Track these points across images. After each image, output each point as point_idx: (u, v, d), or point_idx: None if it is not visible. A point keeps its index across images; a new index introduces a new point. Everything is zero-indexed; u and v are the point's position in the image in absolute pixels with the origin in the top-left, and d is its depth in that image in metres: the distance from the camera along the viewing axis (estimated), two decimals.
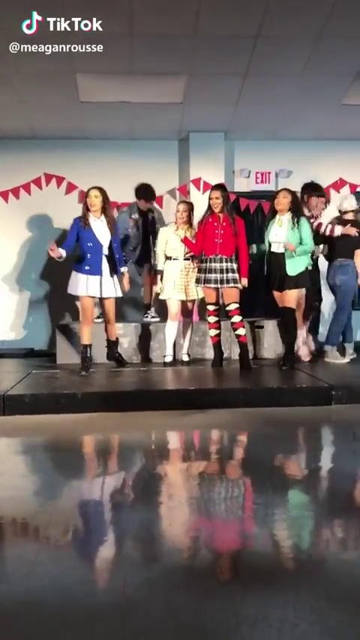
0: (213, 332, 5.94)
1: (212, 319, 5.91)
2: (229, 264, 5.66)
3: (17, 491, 2.99)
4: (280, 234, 5.69)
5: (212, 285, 5.70)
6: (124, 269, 5.74)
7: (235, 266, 5.67)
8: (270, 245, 5.76)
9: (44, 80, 5.96)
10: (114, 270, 5.58)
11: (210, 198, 5.78)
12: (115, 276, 5.60)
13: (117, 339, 5.91)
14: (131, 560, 2.10)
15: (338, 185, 7.85)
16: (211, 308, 5.87)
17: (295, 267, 5.65)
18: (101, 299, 5.63)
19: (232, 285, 5.65)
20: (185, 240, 5.96)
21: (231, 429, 4.23)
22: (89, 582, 2.00)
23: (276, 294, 5.82)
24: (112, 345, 5.84)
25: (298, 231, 5.62)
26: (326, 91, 6.42)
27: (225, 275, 5.65)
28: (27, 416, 4.46)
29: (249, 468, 3.40)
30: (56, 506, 2.70)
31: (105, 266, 5.53)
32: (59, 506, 2.72)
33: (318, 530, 2.52)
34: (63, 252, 5.48)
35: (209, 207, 5.78)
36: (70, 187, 7.63)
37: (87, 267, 5.49)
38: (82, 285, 5.49)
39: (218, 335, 5.95)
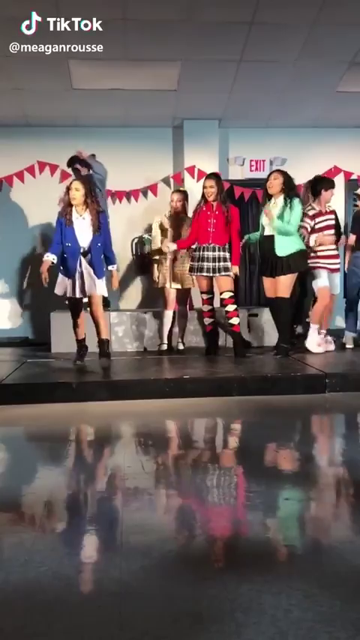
0: (207, 320, 5.95)
1: (206, 307, 5.91)
2: (221, 253, 5.64)
3: (13, 481, 3.00)
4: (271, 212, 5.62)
5: (205, 274, 5.68)
6: (112, 267, 5.33)
7: (227, 255, 5.66)
8: (263, 229, 5.69)
9: (37, 67, 5.92)
10: (96, 271, 5.13)
11: (204, 187, 5.76)
12: (98, 276, 5.15)
13: (108, 340, 5.36)
14: (127, 548, 2.12)
15: (332, 173, 7.83)
16: (204, 297, 5.86)
17: (284, 248, 5.52)
18: (85, 298, 5.26)
19: (224, 273, 5.64)
20: (179, 244, 5.87)
21: (226, 417, 4.26)
22: (86, 570, 2.02)
23: (266, 280, 5.77)
24: (101, 344, 5.25)
25: (290, 211, 5.51)
26: (321, 78, 6.40)
27: (217, 264, 5.63)
28: (21, 405, 4.47)
29: (244, 456, 3.43)
30: (52, 495, 2.72)
31: (83, 266, 5.09)
32: (55, 495, 2.73)
33: (312, 517, 2.54)
34: (52, 258, 5.14)
35: (203, 195, 5.76)
36: (65, 175, 7.58)
37: (61, 268, 5.19)
38: (62, 286, 5.22)
39: (212, 323, 5.96)
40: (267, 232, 5.65)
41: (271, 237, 5.59)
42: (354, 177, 7.90)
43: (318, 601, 1.73)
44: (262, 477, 2.91)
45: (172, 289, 6.05)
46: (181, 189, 6.74)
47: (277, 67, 6.13)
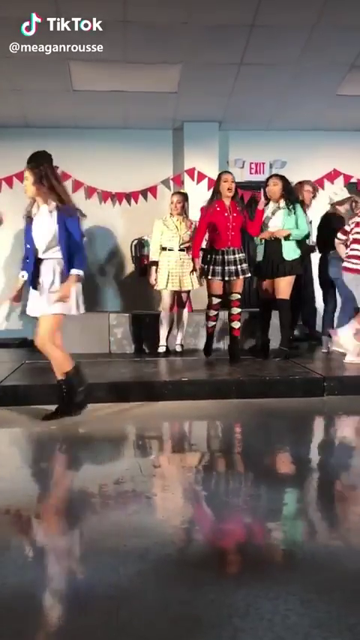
0: (211, 323, 5.81)
1: (212, 313, 5.75)
2: (240, 255, 5.59)
3: (10, 483, 3.00)
4: (274, 219, 5.67)
5: (226, 279, 5.58)
6: (74, 271, 3.88)
7: (245, 256, 5.65)
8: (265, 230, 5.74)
9: (37, 68, 5.93)
10: (51, 278, 3.94)
11: (224, 181, 5.54)
12: (54, 286, 3.93)
13: (66, 375, 4.06)
14: (125, 552, 2.12)
15: (332, 176, 7.86)
16: (216, 301, 5.70)
17: (291, 252, 5.67)
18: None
19: (248, 275, 5.64)
20: (195, 253, 5.82)
21: (224, 420, 4.26)
22: (83, 574, 2.02)
23: (267, 282, 5.79)
24: (59, 385, 4.10)
25: (295, 216, 5.64)
26: (321, 81, 6.41)
27: (240, 266, 5.57)
28: (20, 406, 4.46)
29: (242, 459, 3.43)
30: (49, 497, 2.72)
31: (42, 273, 3.96)
32: (53, 498, 2.73)
33: (309, 522, 2.54)
34: (21, 275, 4.08)
35: (217, 192, 5.59)
36: (64, 176, 7.57)
37: (24, 277, 4.08)
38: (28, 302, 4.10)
39: (214, 327, 5.86)
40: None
41: (277, 240, 5.65)
42: (354, 180, 7.92)
43: (315, 606, 1.73)
44: (261, 480, 2.91)
45: (169, 291, 6.04)
46: (182, 191, 6.75)
47: (277, 70, 6.14)
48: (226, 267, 5.55)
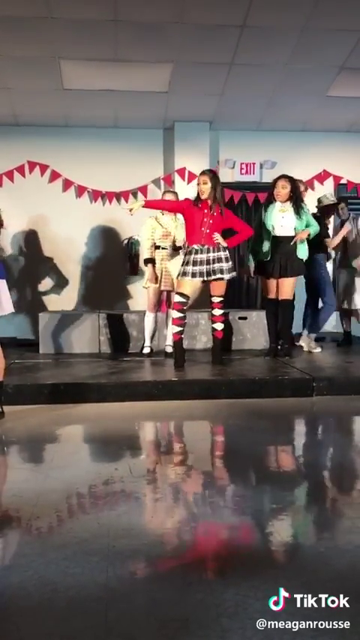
0: (176, 329, 5.32)
1: (176, 314, 5.31)
2: (215, 254, 5.26)
3: (2, 483, 2.99)
4: (287, 218, 5.70)
5: (197, 279, 5.26)
6: None
7: (223, 255, 5.28)
8: (273, 229, 5.72)
9: (27, 66, 5.91)
10: None
11: (197, 184, 5.39)
12: None
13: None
14: (114, 552, 2.11)
15: (322, 177, 7.89)
16: (178, 299, 5.29)
17: (303, 251, 5.74)
18: None
19: (218, 276, 5.25)
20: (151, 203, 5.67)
21: (214, 420, 4.26)
22: (72, 575, 2.01)
23: (271, 281, 5.80)
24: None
25: (305, 219, 5.72)
26: (312, 82, 6.43)
27: (212, 266, 5.25)
28: (9, 406, 4.43)
29: (231, 459, 3.43)
30: (39, 499, 2.71)
31: None
32: (42, 499, 2.72)
33: (298, 522, 2.55)
34: None
35: (198, 193, 5.41)
36: (54, 175, 7.59)
37: None
38: None
39: (181, 332, 5.36)
40: (280, 233, 5.69)
41: (286, 238, 5.66)
42: (343, 181, 7.95)
43: (303, 606, 1.74)
44: (249, 481, 2.92)
45: (156, 290, 6.00)
46: (172, 190, 6.73)
47: (267, 71, 6.16)
48: (197, 267, 5.24)
